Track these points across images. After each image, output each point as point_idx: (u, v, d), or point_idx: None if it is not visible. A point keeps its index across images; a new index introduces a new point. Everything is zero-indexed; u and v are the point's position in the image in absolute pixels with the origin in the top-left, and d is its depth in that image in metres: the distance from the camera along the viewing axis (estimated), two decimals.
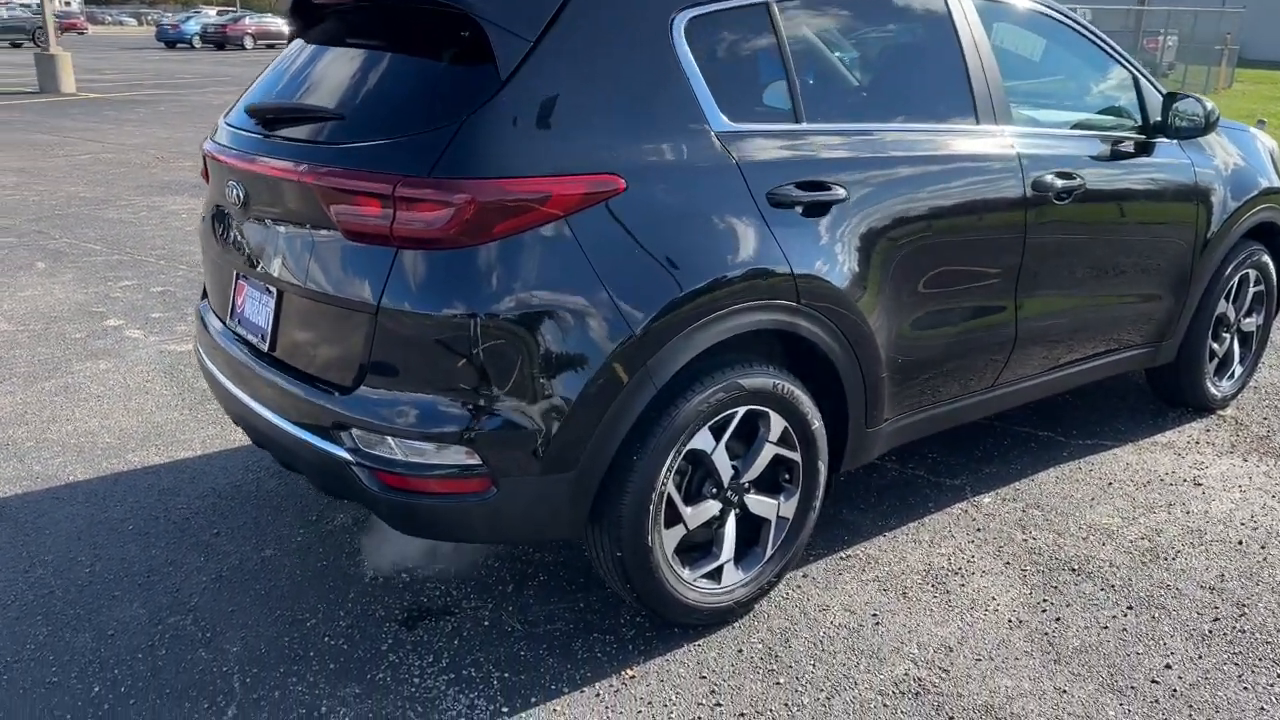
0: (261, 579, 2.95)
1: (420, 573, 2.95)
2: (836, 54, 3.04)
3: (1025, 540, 3.19)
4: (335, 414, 2.35)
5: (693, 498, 2.60)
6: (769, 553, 2.75)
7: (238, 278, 2.78)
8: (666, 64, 2.44)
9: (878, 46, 3.21)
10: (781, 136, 2.63)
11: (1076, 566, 3.04)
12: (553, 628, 2.71)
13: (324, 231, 2.37)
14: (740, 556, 2.73)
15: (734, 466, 2.64)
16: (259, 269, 2.59)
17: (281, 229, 2.51)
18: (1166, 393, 4.25)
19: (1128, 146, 3.56)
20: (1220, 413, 4.26)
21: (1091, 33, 3.66)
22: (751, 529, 2.75)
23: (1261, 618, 2.80)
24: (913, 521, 3.30)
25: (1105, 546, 3.15)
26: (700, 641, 2.66)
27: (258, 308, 2.66)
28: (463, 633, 2.69)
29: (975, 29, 3.13)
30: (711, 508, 2.61)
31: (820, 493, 2.83)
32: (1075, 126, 3.62)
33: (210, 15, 49.10)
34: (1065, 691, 2.48)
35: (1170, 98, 3.69)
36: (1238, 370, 4.30)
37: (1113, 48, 3.70)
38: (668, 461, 2.44)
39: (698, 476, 2.60)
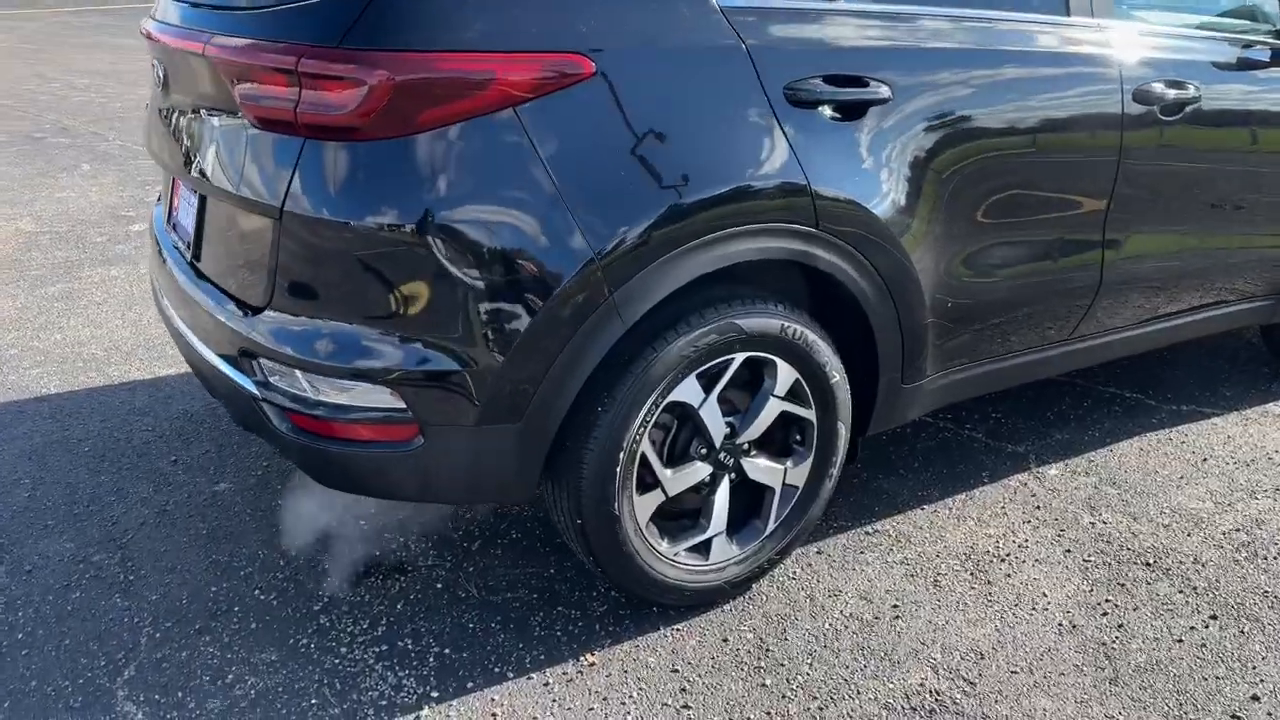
0: (208, 516, 2.64)
1: (380, 520, 2.60)
2: None
3: (1093, 524, 2.67)
4: (242, 339, 1.98)
5: (676, 459, 2.17)
6: (771, 526, 2.32)
7: (173, 177, 2.41)
8: None
9: None
10: (808, 17, 2.11)
11: (1152, 560, 2.52)
12: (513, 596, 2.34)
13: (233, 118, 1.97)
14: (736, 529, 2.30)
15: (729, 424, 2.19)
16: (184, 165, 2.22)
17: (199, 116, 2.13)
18: None
19: (1262, 54, 2.90)
20: None
21: None
22: (753, 497, 2.31)
23: None
24: (960, 493, 2.81)
25: (1190, 538, 2.62)
26: (680, 626, 2.25)
27: (188, 211, 2.30)
28: (410, 595, 2.34)
29: None
30: (699, 471, 2.18)
31: (839, 458, 2.36)
32: (1195, 29, 2.98)
33: None
34: None
35: None
36: None
37: None
38: (640, 415, 2.01)
39: (684, 434, 2.17)
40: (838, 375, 2.26)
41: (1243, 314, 3.20)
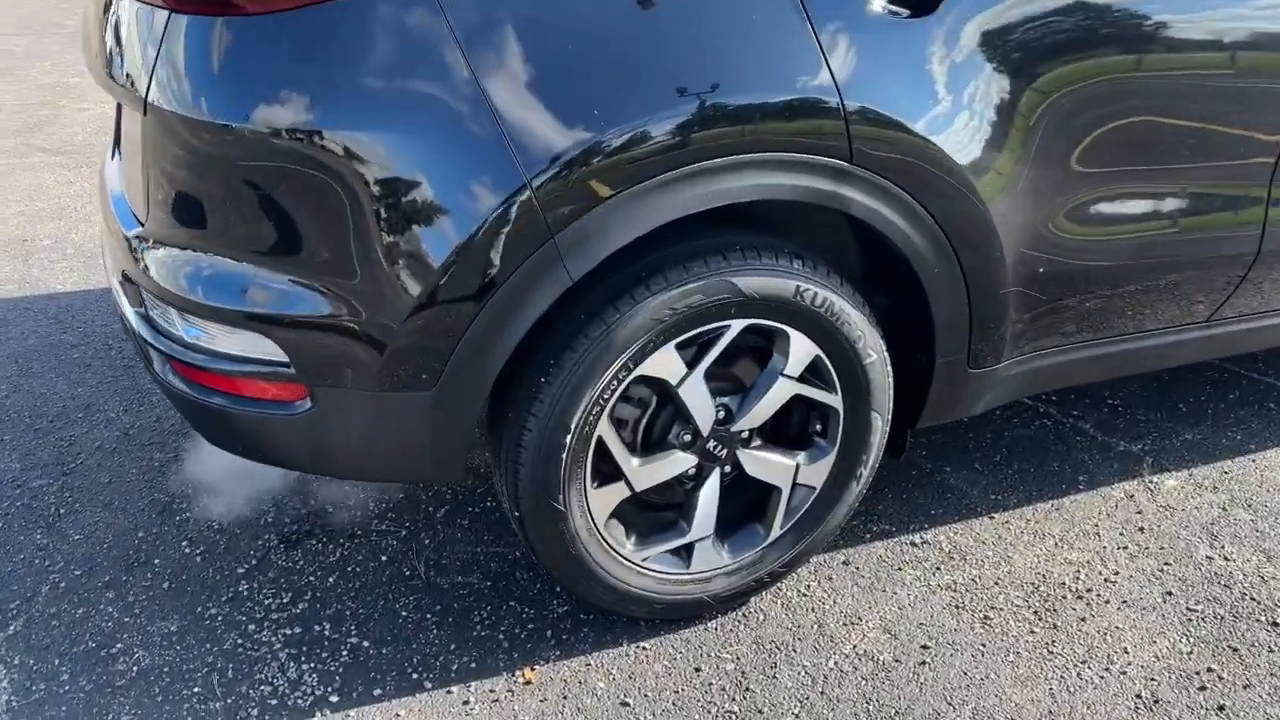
0: (168, 447, 2.38)
1: None
2: None
3: (1210, 559, 2.10)
4: (122, 260, 1.64)
5: (651, 446, 1.73)
6: (776, 532, 1.86)
7: None
8: None
9: None
10: None
11: None
12: (464, 581, 1.98)
13: None
14: (729, 532, 1.86)
15: (723, 406, 1.73)
16: (105, 68, 1.87)
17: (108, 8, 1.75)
18: None
19: None
20: None
21: None
22: (757, 496, 1.86)
23: None
24: (1045, 501, 2.27)
25: None
26: (649, 643, 1.85)
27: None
28: (348, 566, 2.01)
29: None
30: (678, 462, 1.74)
31: (873, 455, 1.87)
32: None
33: None
34: None
35: None
36: None
37: None
38: (595, 390, 1.58)
39: (663, 417, 1.73)
40: (874, 354, 1.76)
41: None
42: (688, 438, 1.73)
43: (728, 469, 1.79)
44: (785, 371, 1.72)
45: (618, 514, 1.75)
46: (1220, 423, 2.57)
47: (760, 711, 1.71)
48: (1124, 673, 1.81)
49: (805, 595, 1.97)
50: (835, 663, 1.81)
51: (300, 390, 1.53)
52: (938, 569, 2.05)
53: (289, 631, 1.85)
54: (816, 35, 1.50)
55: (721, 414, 1.73)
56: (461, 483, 1.91)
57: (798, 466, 1.82)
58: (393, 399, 1.52)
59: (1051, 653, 1.85)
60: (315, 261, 1.45)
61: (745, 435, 1.77)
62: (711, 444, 1.74)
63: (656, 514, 1.84)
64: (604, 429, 1.63)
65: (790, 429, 1.85)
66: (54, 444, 2.38)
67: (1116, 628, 1.91)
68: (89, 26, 1.78)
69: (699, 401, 1.68)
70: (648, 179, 1.46)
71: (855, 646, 1.85)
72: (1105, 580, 2.04)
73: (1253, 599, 1.99)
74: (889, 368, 1.81)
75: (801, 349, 1.71)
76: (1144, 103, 1.80)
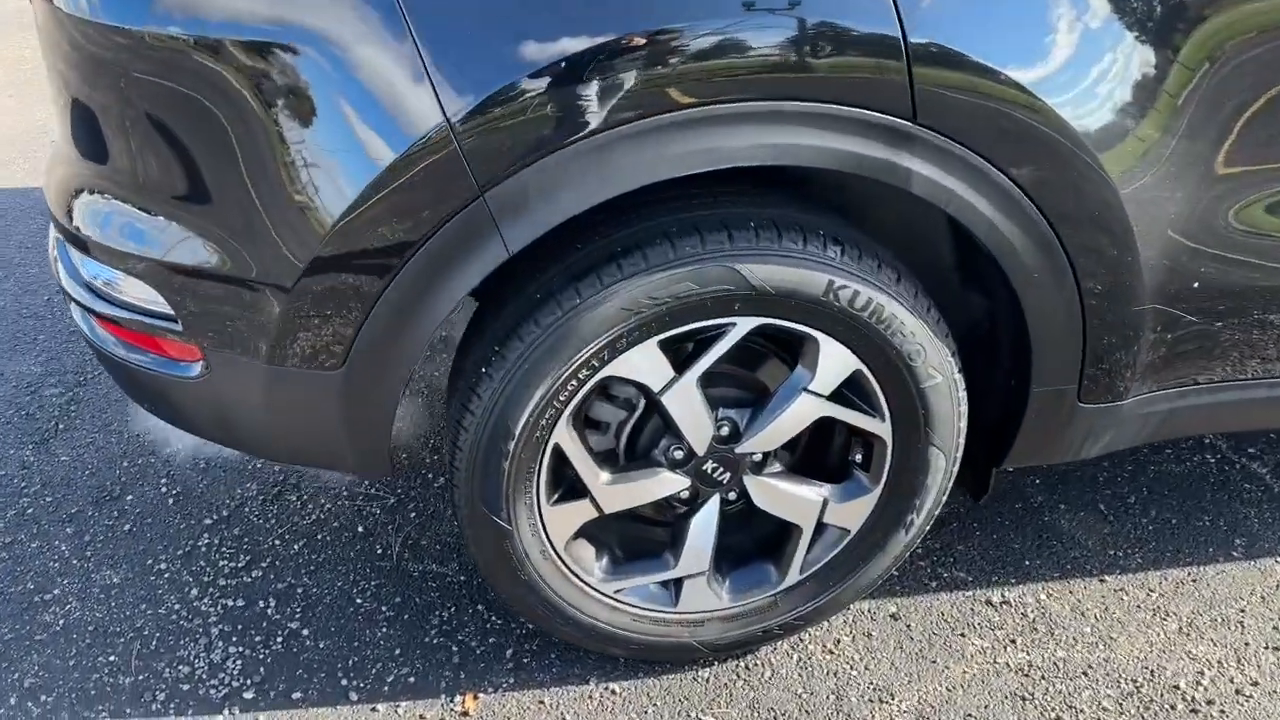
0: None
1: None
2: None
3: None
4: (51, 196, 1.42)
5: (633, 460, 1.39)
6: (793, 577, 1.49)
7: None
8: None
9: None
10: None
11: None
12: (438, 571, 1.72)
13: None
14: (731, 568, 1.50)
15: (727, 420, 1.36)
16: None
17: None
18: None
19: None
20: None
21: None
22: (778, 528, 1.49)
23: None
24: (1179, 567, 1.77)
25: None
26: (620, 685, 1.53)
27: None
28: (317, 535, 1.79)
29: None
30: (664, 484, 1.39)
31: (931, 500, 1.46)
32: None
33: None
34: None
35: None
36: None
37: None
38: (547, 389, 1.25)
39: (650, 425, 1.38)
40: (938, 376, 1.33)
41: None
42: (679, 455, 1.37)
43: (733, 495, 1.43)
44: (810, 387, 1.32)
45: (588, 532, 1.43)
46: None
47: None
48: None
49: (831, 652, 1.59)
50: None
51: (194, 351, 1.28)
52: (1012, 642, 1.62)
53: (230, 603, 1.65)
54: None
55: (725, 430, 1.36)
56: (387, 476, 1.64)
57: (825, 503, 1.43)
58: (292, 374, 1.24)
59: None
60: (199, 199, 1.17)
61: (757, 459, 1.40)
62: (709, 465, 1.38)
63: (644, 530, 1.50)
64: (562, 436, 1.30)
65: (830, 456, 1.46)
66: (80, 352, 2.28)
67: None
68: None
69: (688, 413, 1.32)
70: (613, 126, 1.08)
71: None
72: (1237, 691, 1.55)
73: None
74: (962, 394, 1.38)
75: (835, 361, 1.31)
76: None
